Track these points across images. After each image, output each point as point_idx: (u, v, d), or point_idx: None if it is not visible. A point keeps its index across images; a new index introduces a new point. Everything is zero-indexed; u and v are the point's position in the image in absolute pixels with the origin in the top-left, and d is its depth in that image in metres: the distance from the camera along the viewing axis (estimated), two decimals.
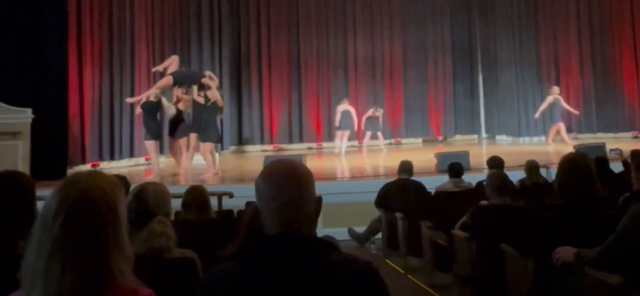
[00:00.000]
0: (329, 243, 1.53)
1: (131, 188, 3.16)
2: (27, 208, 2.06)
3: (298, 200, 1.51)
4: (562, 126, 12.53)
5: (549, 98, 12.73)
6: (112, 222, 1.41)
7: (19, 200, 2.07)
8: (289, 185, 1.52)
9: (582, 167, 2.94)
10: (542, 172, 7.26)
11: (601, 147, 9.81)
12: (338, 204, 7.82)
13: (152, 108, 9.15)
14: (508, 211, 4.09)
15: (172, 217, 3.89)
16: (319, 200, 1.57)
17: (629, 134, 13.85)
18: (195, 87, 9.59)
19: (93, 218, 1.38)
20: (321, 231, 6.59)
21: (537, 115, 13.02)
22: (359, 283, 1.48)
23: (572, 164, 2.97)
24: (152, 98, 9.18)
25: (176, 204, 4.17)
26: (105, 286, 1.37)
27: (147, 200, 2.57)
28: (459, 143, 15.12)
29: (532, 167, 6.53)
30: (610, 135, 13.57)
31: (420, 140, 15.62)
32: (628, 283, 2.46)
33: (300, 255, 1.47)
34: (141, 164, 11.75)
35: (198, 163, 10.20)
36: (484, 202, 4.50)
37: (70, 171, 9.16)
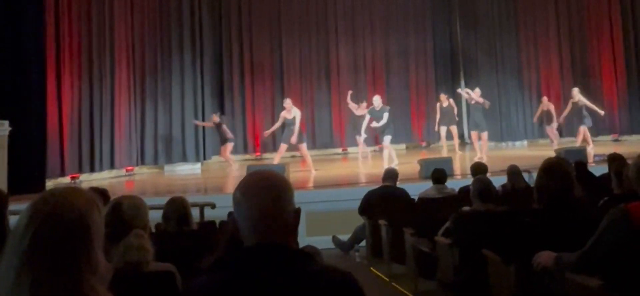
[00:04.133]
0: (306, 254, 1.52)
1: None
2: None
3: (274, 210, 1.50)
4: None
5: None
6: (84, 240, 1.37)
7: None
8: (265, 195, 1.51)
9: (559, 171, 2.96)
10: (525, 176, 7.33)
11: (581, 150, 9.93)
12: (322, 212, 7.81)
13: None
14: (490, 216, 4.11)
15: (153, 229, 3.85)
16: (298, 211, 1.57)
17: (609, 137, 14.05)
18: None
19: (62, 236, 1.34)
20: (305, 240, 6.56)
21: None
22: (337, 294, 1.46)
23: (549, 168, 2.99)
24: None
25: (157, 216, 4.13)
26: None
27: (123, 214, 2.53)
28: (444, 148, 15.17)
29: (513, 172, 6.58)
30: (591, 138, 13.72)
31: (403, 146, 15.67)
32: (607, 286, 2.47)
33: (276, 266, 1.45)
34: (122, 176, 11.64)
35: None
36: (466, 208, 4.51)
37: (49, 183, 9.04)
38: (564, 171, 3.02)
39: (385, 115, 11.06)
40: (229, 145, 11.96)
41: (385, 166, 10.17)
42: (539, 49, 15.11)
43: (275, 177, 1.58)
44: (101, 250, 1.44)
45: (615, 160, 4.51)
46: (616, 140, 13.88)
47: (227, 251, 1.64)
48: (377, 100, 11.37)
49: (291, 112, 11.10)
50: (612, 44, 14.54)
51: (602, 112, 12.46)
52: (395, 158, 11.19)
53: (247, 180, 1.59)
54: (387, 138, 11.18)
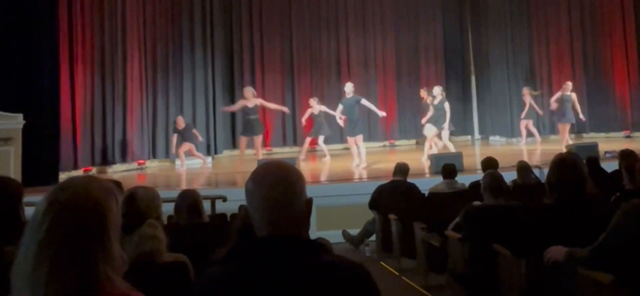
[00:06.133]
0: (319, 245, 1.53)
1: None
2: (13, 213, 2.03)
3: (287, 201, 1.51)
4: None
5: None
6: (100, 229, 1.39)
7: (4, 205, 2.04)
8: (278, 186, 1.52)
9: (571, 166, 2.95)
10: (536, 172, 7.30)
11: (593, 146, 9.85)
12: (332, 207, 7.82)
13: None
14: (500, 211, 4.11)
15: (165, 221, 3.88)
16: (309, 201, 1.57)
17: (621, 134, 13.93)
18: None
19: (78, 225, 1.36)
20: (315, 234, 6.58)
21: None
22: (350, 285, 1.47)
23: (562, 164, 2.98)
24: None
25: (169, 208, 4.17)
26: (92, 293, 1.35)
27: (137, 204, 2.56)
28: (453, 144, 15.12)
29: (522, 168, 6.56)
30: (603, 135, 13.64)
31: (413, 141, 15.63)
32: (619, 281, 2.47)
33: (290, 257, 1.46)
34: (133, 169, 11.72)
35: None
36: (476, 203, 4.51)
37: (62, 176, 9.12)
38: (575, 166, 3.01)
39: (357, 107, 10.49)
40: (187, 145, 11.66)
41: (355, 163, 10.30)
42: (550, 43, 14.99)
43: (287, 168, 1.58)
44: (117, 239, 1.45)
45: (626, 156, 4.49)
46: (628, 137, 13.75)
47: (240, 242, 1.65)
48: (349, 88, 10.73)
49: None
50: (624, 39, 14.38)
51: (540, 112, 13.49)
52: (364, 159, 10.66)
53: (259, 170, 1.59)
54: (360, 136, 10.56)
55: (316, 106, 12.31)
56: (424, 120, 11.47)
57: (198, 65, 13.51)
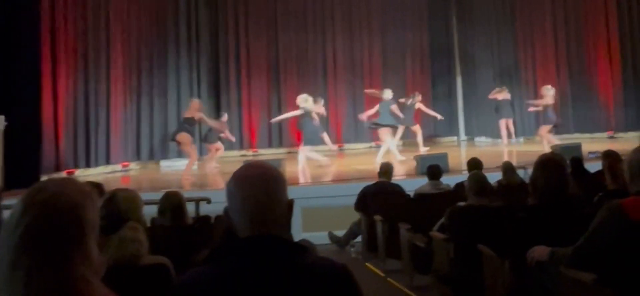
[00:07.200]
0: (301, 246, 1.52)
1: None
2: None
3: (268, 201, 1.50)
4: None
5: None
6: (77, 231, 1.36)
7: None
8: (259, 187, 1.51)
9: (554, 166, 2.97)
10: (521, 172, 7.35)
11: (577, 147, 9.94)
12: (318, 208, 7.81)
13: None
14: (485, 212, 4.13)
15: (149, 224, 3.85)
16: (291, 203, 1.57)
17: (605, 134, 14.09)
18: None
19: (55, 227, 1.33)
20: (301, 235, 6.56)
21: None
22: (332, 286, 1.47)
23: (545, 164, 3.00)
24: None
25: (153, 210, 4.13)
26: None
27: (118, 206, 2.53)
28: (438, 145, 15.21)
29: (507, 168, 6.60)
30: (587, 135, 13.77)
31: (400, 142, 15.67)
32: (601, 280, 2.48)
33: (272, 257, 1.45)
34: (118, 171, 11.61)
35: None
36: (461, 203, 4.53)
37: (44, 178, 9.00)
38: (559, 166, 3.03)
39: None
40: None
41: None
42: (535, 44, 15.14)
43: (270, 168, 1.58)
44: (95, 242, 1.43)
45: (609, 156, 4.52)
46: (611, 137, 13.92)
47: (222, 243, 1.63)
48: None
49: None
50: (608, 40, 14.55)
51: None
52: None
53: (241, 171, 1.58)
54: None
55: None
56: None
57: (183, 66, 13.41)
